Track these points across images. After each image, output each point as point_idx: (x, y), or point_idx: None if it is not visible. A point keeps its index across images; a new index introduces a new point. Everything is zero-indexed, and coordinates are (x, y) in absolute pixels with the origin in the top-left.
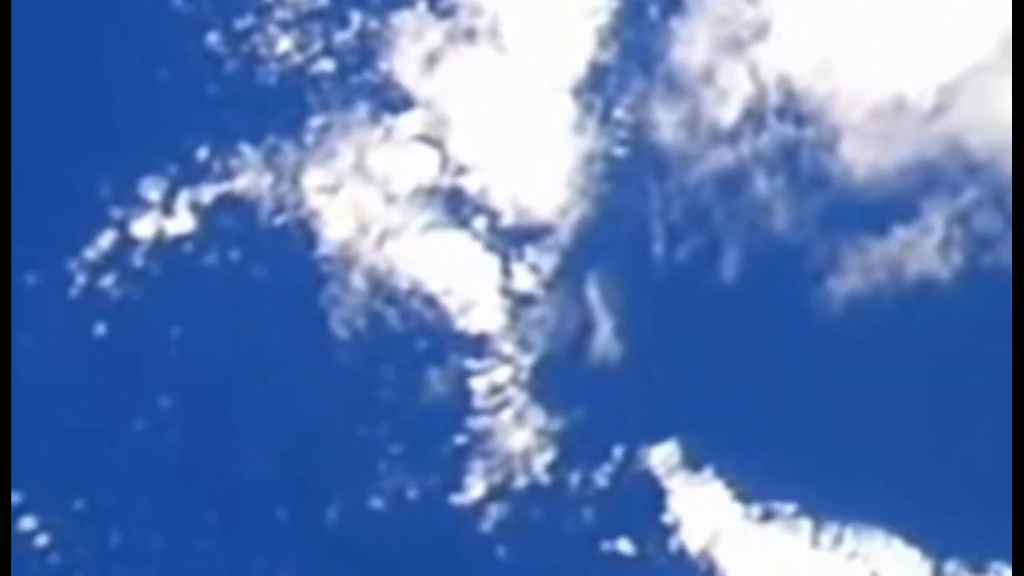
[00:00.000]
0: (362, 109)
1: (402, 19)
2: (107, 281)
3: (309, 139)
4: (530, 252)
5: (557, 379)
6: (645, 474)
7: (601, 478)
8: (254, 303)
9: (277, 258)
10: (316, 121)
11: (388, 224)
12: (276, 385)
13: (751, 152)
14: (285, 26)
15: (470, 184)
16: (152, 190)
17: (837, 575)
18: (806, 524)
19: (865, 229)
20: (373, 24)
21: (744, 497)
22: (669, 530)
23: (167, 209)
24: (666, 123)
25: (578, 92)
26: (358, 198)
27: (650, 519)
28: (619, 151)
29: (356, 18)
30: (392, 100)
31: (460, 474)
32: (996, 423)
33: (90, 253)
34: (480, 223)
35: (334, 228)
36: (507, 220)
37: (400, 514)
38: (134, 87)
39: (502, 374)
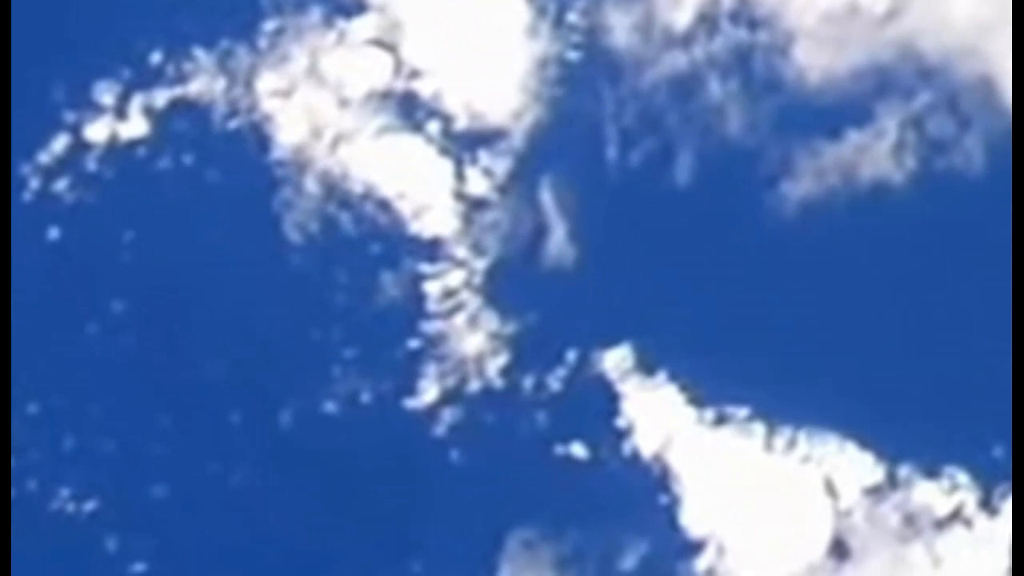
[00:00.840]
0: (315, 13)
1: None
2: (60, 185)
3: (262, 43)
4: (484, 156)
5: (511, 283)
6: (598, 378)
7: (554, 382)
8: (207, 207)
9: (230, 162)
10: (269, 25)
11: (341, 128)
12: (229, 289)
13: (704, 56)
14: None
15: (423, 88)
16: (105, 94)
17: (790, 479)
18: (759, 428)
19: (818, 133)
20: None
21: (697, 401)
22: (622, 434)
23: (120, 113)
24: (619, 27)
25: None
26: (311, 102)
27: (603, 423)
28: (572, 55)
29: None
30: (345, 4)
31: (413, 378)
32: (950, 326)
33: (43, 157)
34: (434, 127)
35: (287, 132)
36: (461, 124)
37: (353, 418)
38: None
39: (456, 278)
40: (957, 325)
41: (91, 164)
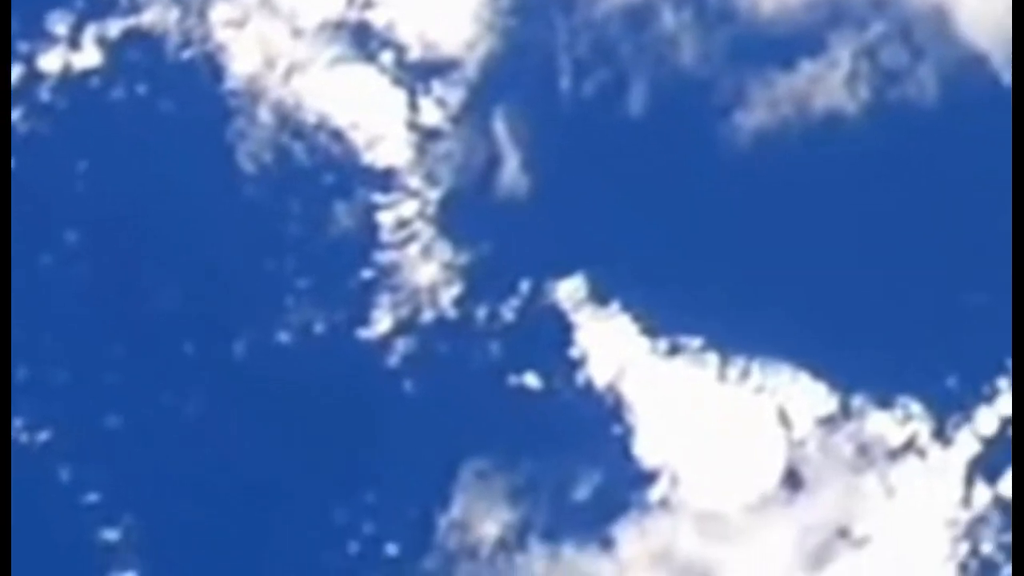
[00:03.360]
0: None
1: None
2: (14, 115)
3: None
4: (437, 86)
5: (464, 213)
6: (552, 308)
7: (508, 312)
8: (161, 137)
9: (184, 92)
10: None
11: (295, 58)
12: (183, 219)
13: None
14: None
15: (377, 18)
16: (59, 24)
17: (744, 409)
18: (713, 358)
19: (772, 63)
20: None
21: (651, 331)
22: (576, 364)
23: (74, 43)
24: None
25: None
26: (265, 32)
27: (557, 353)
28: None
29: None
30: None
31: (367, 308)
32: (902, 256)
33: None
34: (387, 57)
35: (241, 62)
36: (414, 54)
37: (307, 348)
38: None
39: (409, 208)
40: (909, 255)
41: (44, 94)
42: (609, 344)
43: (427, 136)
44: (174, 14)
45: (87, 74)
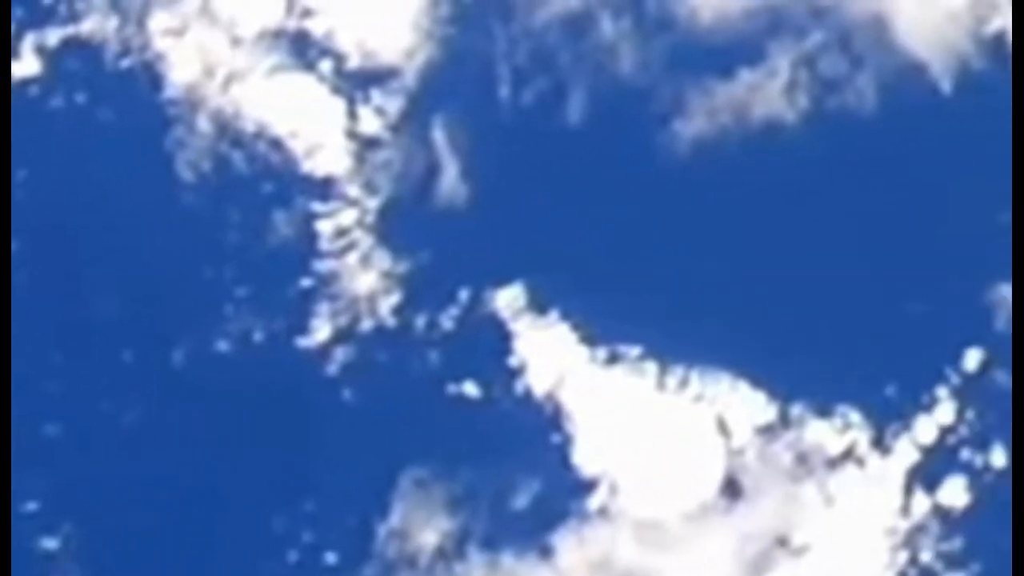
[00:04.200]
0: None
1: None
2: None
3: None
4: (376, 95)
5: (403, 222)
6: (491, 317)
7: (447, 321)
8: (100, 146)
9: (123, 101)
10: None
11: (234, 67)
12: (122, 228)
13: None
14: None
15: (316, 27)
16: None
17: (682, 418)
18: (652, 367)
19: (711, 72)
20: None
21: (590, 339)
22: (515, 373)
23: (13, 52)
24: None
25: None
26: (204, 41)
27: (496, 362)
28: None
29: None
30: None
31: (306, 317)
32: (841, 265)
33: None
34: (326, 66)
35: (180, 71)
36: (353, 63)
37: (246, 356)
38: None
39: (348, 217)
40: (848, 264)
41: None
42: (548, 353)
43: (366, 145)
44: (113, 23)
45: (26, 83)
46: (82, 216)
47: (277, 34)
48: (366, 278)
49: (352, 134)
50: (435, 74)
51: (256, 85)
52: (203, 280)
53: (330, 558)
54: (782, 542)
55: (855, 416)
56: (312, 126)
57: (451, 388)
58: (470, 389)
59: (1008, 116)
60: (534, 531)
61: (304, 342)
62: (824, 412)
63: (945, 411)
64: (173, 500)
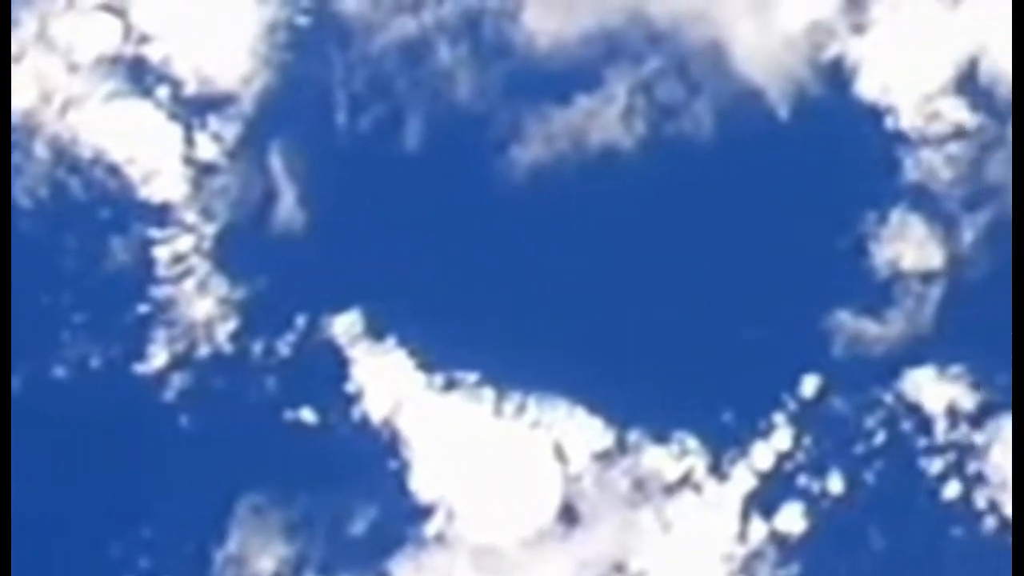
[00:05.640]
0: None
1: None
2: None
3: None
4: (213, 121)
5: (240, 248)
6: (328, 343)
7: (284, 347)
8: None
9: None
10: None
11: (71, 93)
12: None
13: (434, 21)
14: None
15: (153, 53)
16: None
17: (520, 444)
18: (489, 393)
19: (548, 98)
20: None
21: (427, 366)
22: (351, 399)
23: None
24: None
25: None
26: (41, 67)
27: (333, 388)
28: (302, 20)
29: None
30: None
31: (143, 343)
32: (678, 292)
33: None
34: (163, 92)
35: (17, 97)
36: (190, 89)
37: (83, 383)
38: None
39: (185, 243)
40: (685, 290)
41: None
42: (385, 379)
43: (203, 171)
44: None
45: None
46: None
47: (114, 60)
48: (203, 304)
49: (189, 160)
50: (272, 100)
51: (93, 111)
52: (40, 306)
53: None
54: (619, 568)
55: (692, 442)
56: (149, 152)
57: (288, 414)
58: (307, 415)
59: (844, 141)
60: (371, 557)
61: (141, 368)
62: (661, 438)
63: (782, 437)
64: (10, 525)
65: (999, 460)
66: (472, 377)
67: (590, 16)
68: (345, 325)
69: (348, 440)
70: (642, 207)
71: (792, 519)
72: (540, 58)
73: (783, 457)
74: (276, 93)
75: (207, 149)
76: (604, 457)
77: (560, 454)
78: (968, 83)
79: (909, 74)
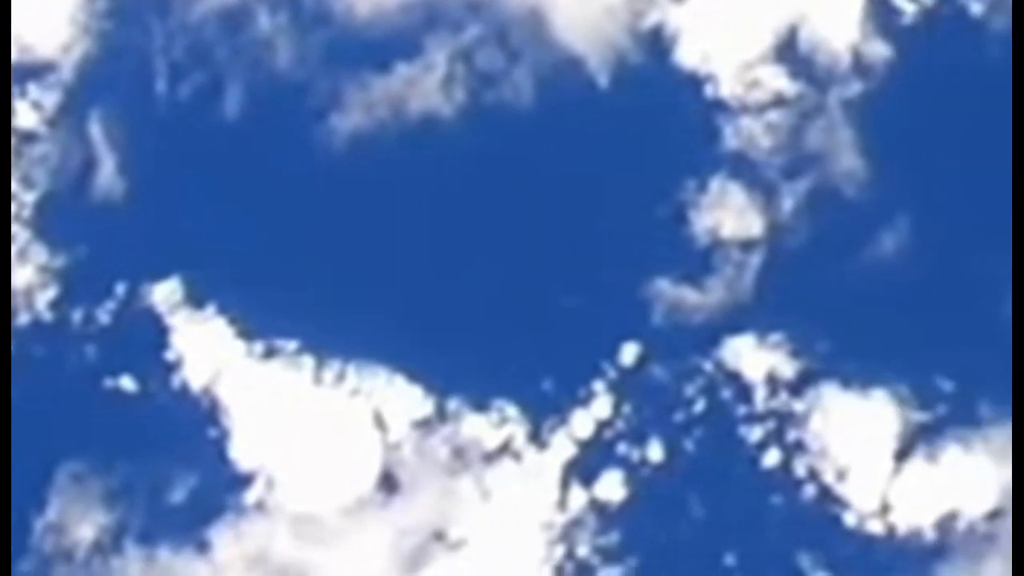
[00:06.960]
0: None
1: None
2: None
3: None
4: (33, 89)
5: (60, 216)
6: (147, 311)
7: (103, 315)
8: None
9: None
10: None
11: None
12: None
13: None
14: None
15: None
16: None
17: (339, 412)
18: (308, 361)
19: (368, 66)
20: None
21: (246, 334)
22: (171, 367)
23: None
24: None
25: None
26: None
27: (152, 356)
28: None
29: None
30: None
31: None
32: (497, 259)
33: None
34: None
35: None
36: None
37: None
38: None
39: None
40: (505, 258)
41: None
42: (205, 347)
43: (23, 139)
44: None
45: None
46: None
47: None
48: (23, 272)
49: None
50: (92, 68)
51: None
52: None
53: None
54: (439, 536)
55: (512, 410)
56: None
57: (108, 382)
58: (127, 383)
59: (664, 109)
60: (191, 525)
61: None
62: (481, 406)
63: (602, 405)
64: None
65: (818, 428)
66: (292, 345)
67: None
68: (165, 293)
69: (168, 408)
70: (462, 175)
71: (612, 487)
72: (360, 26)
73: (603, 425)
74: (96, 61)
75: (27, 117)
76: (424, 425)
77: (380, 422)
78: (787, 51)
79: (728, 42)
